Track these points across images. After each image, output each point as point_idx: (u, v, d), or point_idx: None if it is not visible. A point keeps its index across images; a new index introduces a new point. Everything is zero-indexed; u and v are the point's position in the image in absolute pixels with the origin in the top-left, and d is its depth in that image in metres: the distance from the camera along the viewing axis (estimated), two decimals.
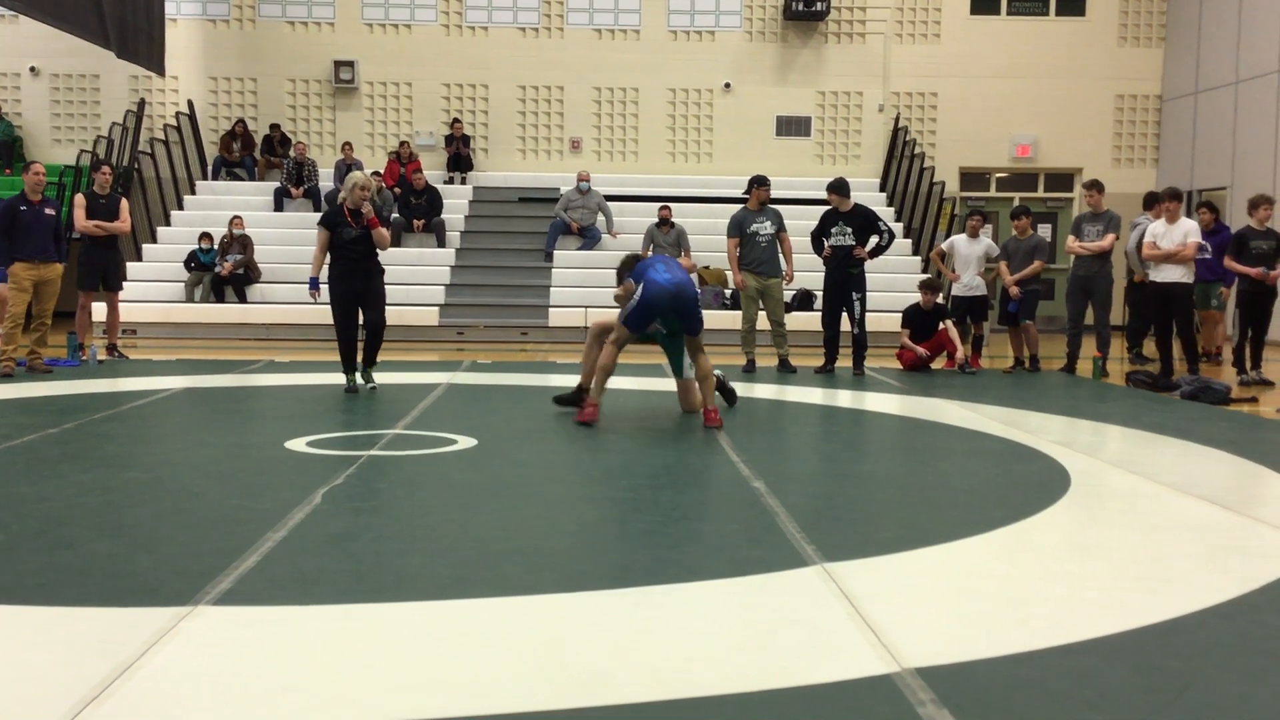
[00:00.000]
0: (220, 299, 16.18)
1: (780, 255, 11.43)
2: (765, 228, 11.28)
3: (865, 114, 20.02)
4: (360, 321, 9.29)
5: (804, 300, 15.37)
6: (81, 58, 18.82)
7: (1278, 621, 3.72)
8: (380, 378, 10.62)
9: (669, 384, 10.01)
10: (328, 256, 9.16)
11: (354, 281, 9.09)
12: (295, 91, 19.74)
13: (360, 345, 9.34)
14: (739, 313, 12.62)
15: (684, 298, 7.57)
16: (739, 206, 11.81)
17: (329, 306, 9.22)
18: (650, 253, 16.14)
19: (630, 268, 8.01)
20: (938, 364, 12.01)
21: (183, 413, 8.67)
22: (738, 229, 11.39)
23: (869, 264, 11.42)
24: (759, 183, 11.49)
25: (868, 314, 11.50)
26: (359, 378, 9.37)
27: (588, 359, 8.05)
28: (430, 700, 2.94)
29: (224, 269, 16.11)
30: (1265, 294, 11.30)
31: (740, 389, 9.98)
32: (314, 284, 9.19)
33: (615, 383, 9.62)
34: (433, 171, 18.95)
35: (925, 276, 13.86)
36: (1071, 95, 19.94)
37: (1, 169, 18.65)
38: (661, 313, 7.61)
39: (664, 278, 7.54)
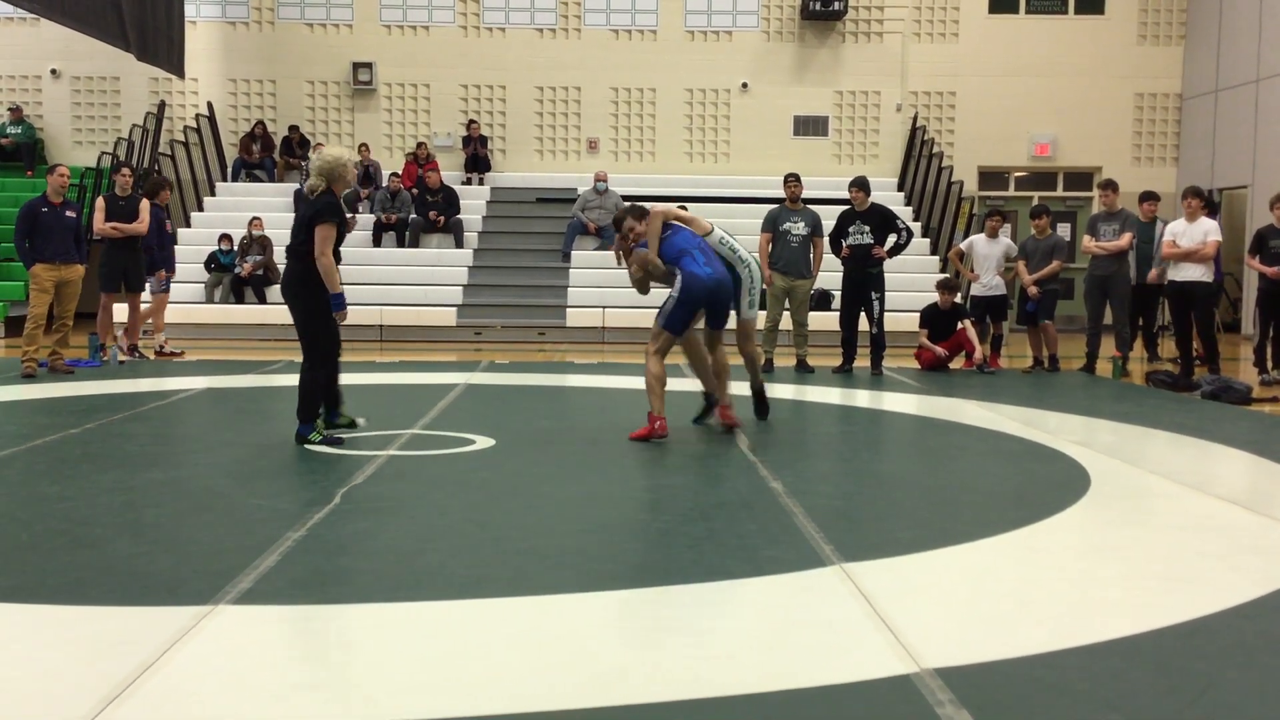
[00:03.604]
0: (240, 300, 16.24)
1: (810, 257, 11.38)
2: (798, 227, 11.25)
3: (883, 113, 19.96)
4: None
5: (822, 300, 15.33)
6: (102, 60, 18.91)
7: None
8: (399, 378, 10.67)
9: (685, 384, 10.01)
10: None
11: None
12: (314, 93, 19.81)
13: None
14: (759, 312, 12.63)
15: (725, 290, 7.19)
16: (753, 205, 11.81)
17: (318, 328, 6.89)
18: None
19: (641, 216, 7.33)
20: (956, 364, 11.97)
21: (203, 413, 8.71)
22: (771, 225, 11.38)
23: (887, 264, 11.39)
24: (787, 179, 11.51)
25: (886, 314, 11.46)
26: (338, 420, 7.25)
27: (695, 364, 7.63)
28: (447, 699, 2.95)
29: (244, 270, 16.17)
30: None
31: None
32: (343, 302, 6.87)
33: (632, 382, 9.63)
34: (450, 172, 18.98)
35: (943, 276, 13.81)
36: (1091, 94, 19.84)
37: (23, 171, 18.76)
38: (705, 307, 7.19)
39: (704, 270, 7.08)
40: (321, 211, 6.68)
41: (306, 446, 6.65)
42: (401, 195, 17.73)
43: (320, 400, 6.95)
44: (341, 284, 6.84)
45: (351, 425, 7.21)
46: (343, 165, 6.82)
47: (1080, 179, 20.27)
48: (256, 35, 19.69)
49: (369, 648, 3.34)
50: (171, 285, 12.61)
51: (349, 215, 7.29)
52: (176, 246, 17.33)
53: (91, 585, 3.89)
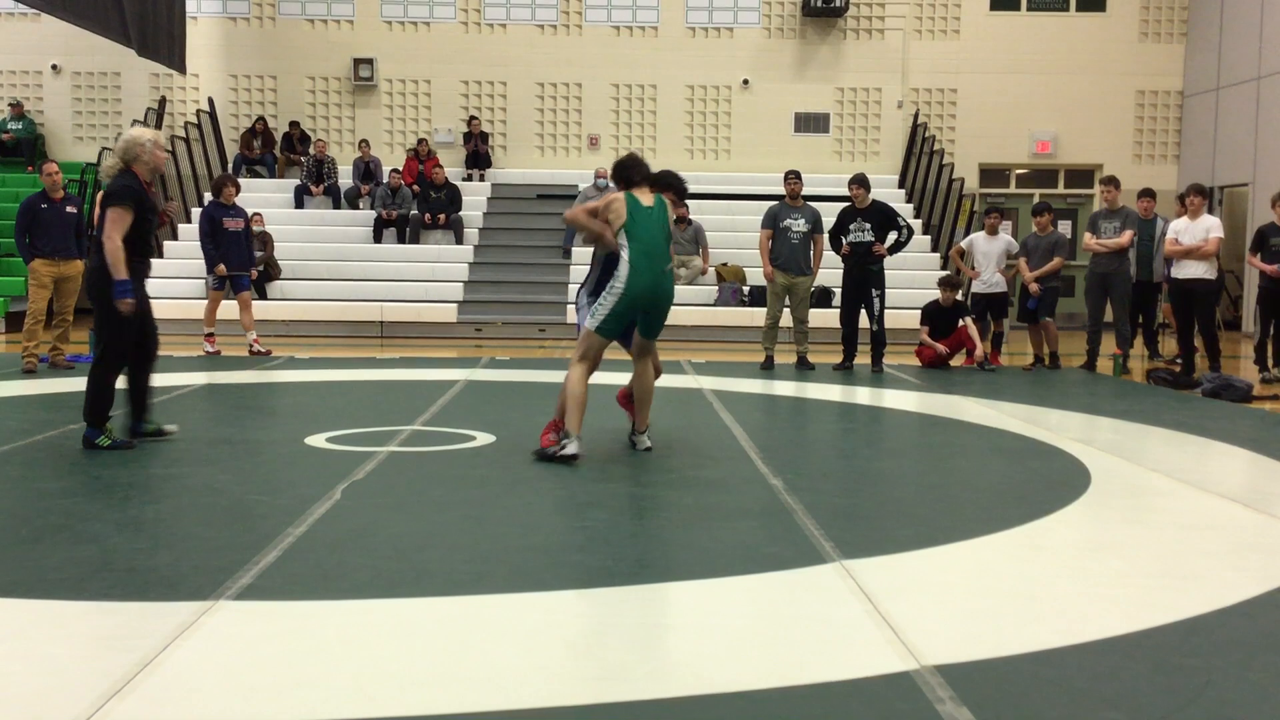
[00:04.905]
0: None
1: (810, 253, 11.33)
2: (798, 224, 11.21)
3: (884, 110, 19.95)
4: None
5: (822, 297, 15.34)
6: (103, 56, 18.91)
7: None
8: (399, 374, 10.65)
9: (683, 382, 10.02)
10: None
11: (141, 291, 6.49)
12: (315, 89, 19.80)
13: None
14: (757, 309, 12.62)
15: None
16: (754, 202, 11.76)
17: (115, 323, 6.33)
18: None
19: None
20: (957, 361, 11.97)
21: (203, 409, 8.71)
22: (771, 221, 11.35)
23: (887, 261, 11.38)
24: (787, 176, 11.46)
25: (886, 311, 11.46)
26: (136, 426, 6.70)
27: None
28: (447, 695, 2.95)
29: None
30: None
31: (759, 386, 9.98)
32: (128, 289, 6.23)
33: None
34: (451, 169, 18.98)
35: (944, 273, 13.81)
36: (1092, 91, 19.83)
37: (24, 166, 18.77)
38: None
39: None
40: (113, 193, 6.34)
41: (306, 442, 6.65)
42: (402, 191, 17.74)
43: (111, 403, 6.43)
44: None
45: (159, 433, 6.67)
46: (138, 145, 6.39)
47: (1081, 176, 20.26)
48: (257, 31, 19.68)
49: (369, 644, 3.34)
50: (223, 283, 12.15)
51: (169, 201, 6.99)
52: (177, 243, 17.42)
53: (92, 581, 3.89)
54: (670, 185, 6.72)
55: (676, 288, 7.20)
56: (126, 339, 6.41)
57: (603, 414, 7.14)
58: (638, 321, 6.41)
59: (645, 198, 6.44)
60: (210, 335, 12.19)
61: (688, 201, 16.71)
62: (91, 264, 6.49)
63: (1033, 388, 10.27)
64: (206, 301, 12.45)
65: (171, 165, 18.39)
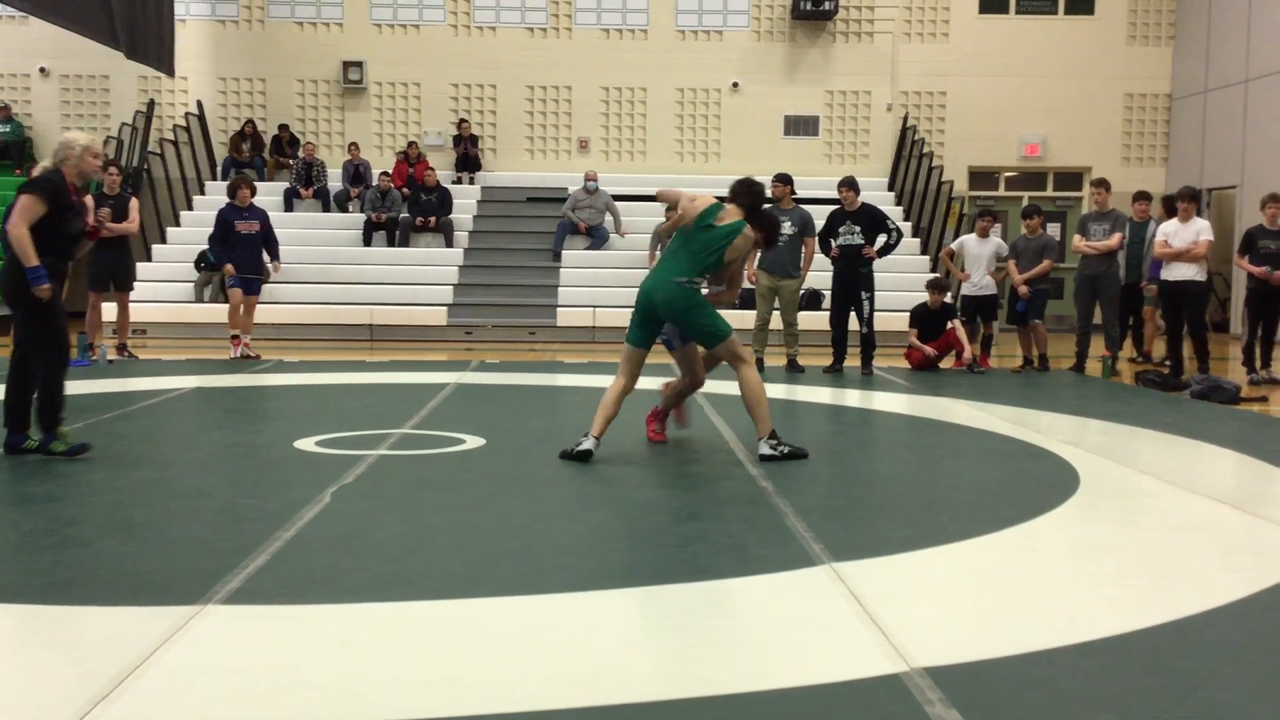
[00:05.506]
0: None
1: (796, 256, 11.32)
2: (785, 227, 11.19)
3: (873, 113, 19.98)
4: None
5: (812, 300, 15.34)
6: (91, 58, 18.84)
7: None
8: (389, 377, 10.63)
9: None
10: None
11: (57, 293, 6.18)
12: (304, 92, 19.76)
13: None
14: (746, 312, 12.63)
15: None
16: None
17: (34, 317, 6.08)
18: (658, 253, 16.14)
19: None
20: (946, 363, 11.99)
21: (192, 412, 8.69)
22: None
23: (877, 263, 11.38)
24: (776, 180, 11.43)
25: (876, 314, 11.46)
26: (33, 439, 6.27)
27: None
28: (439, 699, 2.95)
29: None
30: (1275, 293, 11.25)
31: None
32: (43, 274, 5.98)
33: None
34: (441, 172, 18.95)
35: (933, 276, 13.83)
36: (1080, 94, 19.88)
37: (11, 170, 18.70)
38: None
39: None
40: (30, 181, 6.13)
41: (295, 445, 6.63)
42: (391, 194, 17.71)
43: (63, 404, 6.18)
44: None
45: (39, 450, 6.22)
46: (69, 148, 6.16)
47: (1070, 179, 20.31)
48: (246, 34, 19.64)
49: (359, 648, 3.33)
50: (239, 282, 11.98)
51: (104, 210, 6.69)
52: (166, 246, 17.37)
53: (80, 585, 3.88)
54: (763, 228, 6.84)
55: None
56: (63, 330, 6.16)
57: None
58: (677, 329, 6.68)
59: (729, 215, 6.53)
60: (235, 338, 12.10)
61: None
62: (5, 270, 6.13)
63: (1022, 390, 10.29)
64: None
65: (160, 168, 18.36)
